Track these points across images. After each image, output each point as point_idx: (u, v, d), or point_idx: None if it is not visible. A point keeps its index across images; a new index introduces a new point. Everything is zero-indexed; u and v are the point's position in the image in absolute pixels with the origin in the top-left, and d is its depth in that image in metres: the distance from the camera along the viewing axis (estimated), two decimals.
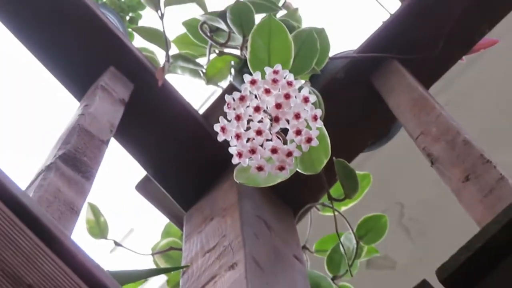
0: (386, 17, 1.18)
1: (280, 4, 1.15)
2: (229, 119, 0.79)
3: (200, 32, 1.12)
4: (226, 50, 1.15)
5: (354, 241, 1.17)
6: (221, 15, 1.10)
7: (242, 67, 1.16)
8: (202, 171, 1.21)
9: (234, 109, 0.78)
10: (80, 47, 1.14)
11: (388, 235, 1.21)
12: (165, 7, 1.13)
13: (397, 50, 1.11)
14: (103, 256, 1.45)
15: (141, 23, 1.44)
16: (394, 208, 1.58)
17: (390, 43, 1.13)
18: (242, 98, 0.78)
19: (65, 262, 0.52)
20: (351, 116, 1.17)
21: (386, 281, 1.34)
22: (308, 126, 0.79)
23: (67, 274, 0.52)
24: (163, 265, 1.20)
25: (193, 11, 1.17)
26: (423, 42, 1.11)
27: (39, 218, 0.54)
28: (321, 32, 1.03)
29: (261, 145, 0.82)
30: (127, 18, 1.34)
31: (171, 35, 1.20)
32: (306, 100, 0.82)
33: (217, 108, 1.18)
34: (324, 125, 0.79)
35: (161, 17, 1.11)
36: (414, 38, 1.12)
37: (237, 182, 0.84)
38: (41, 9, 1.12)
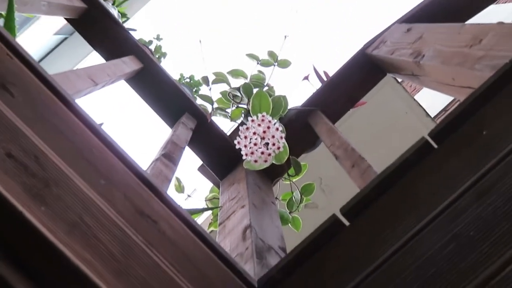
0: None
1: (265, 84, 1.87)
2: (241, 138, 1.58)
3: (228, 96, 1.82)
4: (240, 105, 1.83)
5: (299, 195, 1.79)
6: (238, 89, 1.81)
7: (247, 114, 1.79)
8: (229, 162, 1.81)
9: (244, 133, 1.59)
10: (175, 105, 1.80)
11: (314, 193, 1.81)
12: (211, 85, 1.86)
13: (320, 106, 1.75)
14: (182, 202, 1.92)
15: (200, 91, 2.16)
16: (317, 180, 2.25)
17: (316, 102, 1.77)
18: (247, 128, 1.53)
19: (168, 206, 0.77)
20: (297, 136, 1.74)
21: (314, 214, 1.75)
22: (278, 141, 1.60)
23: (170, 214, 0.77)
24: (210, 206, 1.83)
25: (225, 86, 1.87)
26: (331, 101, 1.75)
27: (151, 182, 0.80)
28: (284, 97, 1.74)
29: (256, 150, 1.60)
30: (194, 89, 2.05)
31: (214, 96, 1.89)
32: (277, 129, 1.57)
33: (235, 133, 1.73)
34: (286, 140, 1.56)
35: (210, 89, 1.86)
36: (327, 100, 1.76)
37: (245, 167, 1.61)
38: (160, 91, 1.80)
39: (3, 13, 1.33)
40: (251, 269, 1.04)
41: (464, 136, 0.73)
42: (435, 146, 0.76)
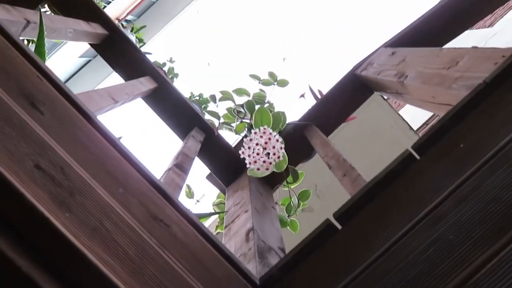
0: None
1: (266, 101, 1.88)
2: (245, 148, 1.59)
3: (233, 112, 1.84)
4: (244, 120, 1.85)
5: (297, 200, 1.79)
6: (242, 105, 1.82)
7: (250, 127, 1.79)
8: (234, 170, 1.81)
9: (247, 144, 1.60)
10: (185, 120, 1.81)
11: (310, 198, 1.82)
12: (218, 102, 1.87)
13: (314, 121, 1.76)
14: (191, 207, 1.92)
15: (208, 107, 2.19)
16: (312, 186, 2.25)
17: (311, 117, 1.78)
18: (250, 140, 1.56)
19: (179, 212, 0.78)
20: (294, 148, 1.73)
21: (310, 217, 1.70)
22: (278, 152, 1.60)
23: (181, 219, 0.77)
24: (217, 210, 1.84)
25: (230, 103, 1.88)
26: (325, 117, 1.76)
27: (164, 190, 0.80)
28: (283, 113, 1.74)
29: (259, 159, 1.61)
30: (202, 106, 2.06)
31: (221, 112, 1.91)
32: (277, 140, 1.59)
33: (240, 144, 1.75)
34: (285, 151, 1.58)
35: (217, 106, 1.88)
36: (321, 116, 1.77)
37: (248, 175, 1.62)
38: (172, 108, 1.81)
39: (35, 39, 1.34)
40: (254, 268, 1.04)
41: (443, 149, 0.73)
42: (418, 157, 0.76)
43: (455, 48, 1.11)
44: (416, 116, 4.11)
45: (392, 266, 0.59)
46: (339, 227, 0.76)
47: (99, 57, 1.86)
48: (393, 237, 0.64)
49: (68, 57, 8.21)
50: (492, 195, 0.57)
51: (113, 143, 0.78)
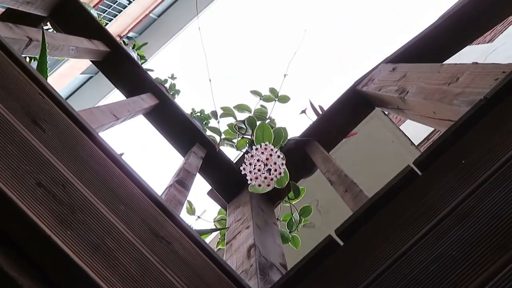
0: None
1: (267, 117, 1.88)
2: (247, 164, 1.59)
3: (234, 128, 1.83)
4: (245, 136, 1.84)
5: (299, 216, 1.78)
6: (243, 121, 1.82)
7: (251, 143, 1.80)
8: (235, 187, 1.82)
9: (249, 161, 1.60)
10: (187, 136, 1.81)
11: (312, 214, 1.80)
12: (219, 118, 1.86)
13: (316, 136, 1.75)
14: (192, 223, 1.86)
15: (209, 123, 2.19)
16: (314, 202, 2.27)
17: (312, 133, 1.77)
18: (251, 156, 1.56)
19: (180, 228, 0.78)
20: (296, 164, 1.75)
21: (311, 233, 1.76)
22: (279, 168, 1.60)
23: (182, 236, 0.77)
24: (218, 226, 1.82)
25: (231, 119, 1.87)
26: (326, 132, 1.75)
27: (166, 207, 0.84)
28: (284, 129, 1.74)
29: (260, 175, 1.61)
30: (204, 122, 2.07)
31: (222, 128, 1.89)
32: (278, 156, 1.59)
33: (241, 160, 1.69)
34: (286, 167, 1.57)
35: (218, 122, 1.86)
36: (322, 131, 1.76)
37: (250, 191, 1.59)
38: (174, 124, 1.81)
39: (37, 57, 1.35)
40: (255, 285, 1.03)
41: (445, 165, 0.73)
42: (419, 173, 0.76)
43: (456, 64, 1.11)
44: (417, 131, 4.11)
45: (395, 282, 0.59)
46: (341, 243, 0.76)
47: (100, 74, 1.87)
48: (395, 253, 0.64)
49: (70, 73, 8.26)
50: (495, 211, 0.57)
51: (115, 160, 0.78)
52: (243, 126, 1.86)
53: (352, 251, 0.74)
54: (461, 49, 1.62)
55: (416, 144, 3.20)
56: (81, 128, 0.77)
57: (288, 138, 1.81)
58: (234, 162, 1.91)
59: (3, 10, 1.76)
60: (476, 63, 1.03)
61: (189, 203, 1.84)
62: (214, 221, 1.86)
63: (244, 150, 1.89)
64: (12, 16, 1.60)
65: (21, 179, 0.53)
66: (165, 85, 2.39)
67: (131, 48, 2.48)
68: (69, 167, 0.63)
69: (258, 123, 1.82)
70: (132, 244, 0.60)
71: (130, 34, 9.07)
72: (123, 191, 0.73)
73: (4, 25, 1.17)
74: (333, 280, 0.72)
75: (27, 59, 1.83)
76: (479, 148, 0.70)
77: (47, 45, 1.22)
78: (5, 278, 0.45)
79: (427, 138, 4.42)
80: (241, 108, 1.91)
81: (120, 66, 1.81)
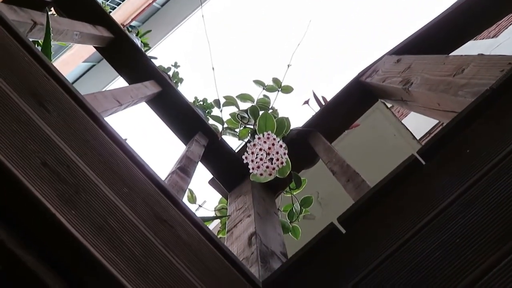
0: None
1: (270, 107, 1.88)
2: (249, 153, 1.58)
3: (237, 118, 1.84)
4: (247, 126, 1.85)
5: (299, 207, 1.77)
6: (246, 111, 1.82)
7: (253, 133, 1.81)
8: (236, 176, 1.81)
9: (251, 149, 1.60)
10: (189, 124, 1.80)
11: (312, 205, 1.79)
12: (222, 107, 1.88)
13: (318, 127, 1.75)
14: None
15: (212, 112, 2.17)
16: (314, 193, 2.18)
17: (314, 123, 1.77)
18: (254, 145, 1.56)
19: (183, 213, 0.78)
20: (298, 154, 1.72)
21: (311, 224, 1.78)
22: (281, 157, 1.60)
23: (185, 220, 0.77)
24: (219, 215, 1.82)
25: (234, 108, 1.88)
26: (328, 123, 1.75)
27: (169, 192, 0.82)
28: (287, 119, 1.74)
29: (262, 164, 1.60)
30: (206, 111, 2.07)
31: (225, 117, 1.91)
32: (281, 146, 1.59)
33: (243, 150, 1.77)
34: (288, 157, 1.58)
35: (221, 111, 1.88)
36: (325, 122, 1.76)
37: (251, 180, 1.60)
38: (176, 112, 1.80)
39: (40, 41, 1.35)
40: (256, 272, 1.03)
41: (449, 154, 0.73)
42: (423, 162, 0.76)
43: (461, 55, 1.11)
44: (419, 126, 4.11)
45: (398, 269, 0.59)
46: (344, 231, 0.76)
47: (102, 63, 1.88)
48: (398, 241, 0.64)
49: (72, 61, 8.23)
50: (499, 200, 0.57)
51: (119, 143, 0.78)
52: (246, 116, 1.85)
53: (354, 239, 0.74)
54: (466, 42, 1.61)
55: (417, 138, 3.19)
56: (86, 111, 0.77)
57: (291, 128, 1.81)
58: (236, 151, 1.90)
59: None
60: (482, 54, 1.03)
61: (191, 191, 1.83)
62: (214, 210, 1.85)
63: (246, 140, 1.89)
64: (16, 0, 1.59)
65: (26, 158, 0.53)
66: (168, 73, 2.39)
67: (134, 35, 2.47)
68: (74, 148, 0.63)
69: (261, 112, 1.81)
70: (135, 226, 0.60)
71: (133, 23, 9.03)
72: (127, 174, 0.73)
73: (8, 7, 1.16)
74: (334, 268, 0.72)
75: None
76: (484, 138, 0.70)
77: (51, 28, 1.22)
78: (9, 255, 0.45)
79: (429, 133, 4.42)
80: (244, 97, 1.91)
81: (123, 52, 1.79)
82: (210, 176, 1.88)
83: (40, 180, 0.51)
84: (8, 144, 0.52)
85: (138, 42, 2.29)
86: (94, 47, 1.76)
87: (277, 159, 1.58)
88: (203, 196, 1.95)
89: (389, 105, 2.97)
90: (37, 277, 0.46)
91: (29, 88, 0.67)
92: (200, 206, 1.84)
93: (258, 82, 1.94)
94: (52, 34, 1.26)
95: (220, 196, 1.90)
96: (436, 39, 1.60)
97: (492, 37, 5.31)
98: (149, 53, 2.47)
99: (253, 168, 1.58)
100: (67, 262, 0.48)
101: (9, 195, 0.48)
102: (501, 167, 0.61)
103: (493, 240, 0.52)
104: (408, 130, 3.02)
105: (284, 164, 1.59)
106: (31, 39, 1.48)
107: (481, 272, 0.51)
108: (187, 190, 1.68)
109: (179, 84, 2.42)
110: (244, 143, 1.92)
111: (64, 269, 0.48)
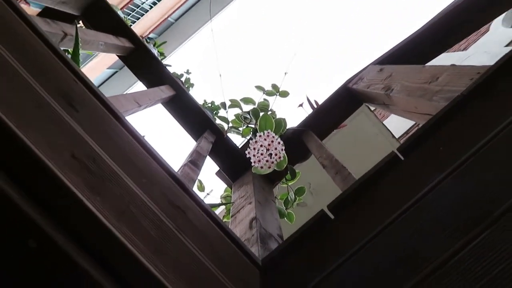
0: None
1: (269, 109, 1.87)
2: (251, 149, 1.59)
3: (240, 118, 1.84)
4: (249, 125, 1.85)
5: (294, 196, 1.78)
6: (248, 112, 1.82)
7: (255, 132, 1.82)
8: (240, 168, 1.82)
9: (253, 146, 1.60)
10: (199, 123, 1.80)
11: (305, 194, 1.80)
12: (228, 109, 1.87)
13: (310, 127, 1.75)
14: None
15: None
16: (307, 184, 2.21)
17: (308, 124, 1.77)
18: (255, 142, 1.57)
19: (193, 200, 0.80)
20: (294, 150, 1.73)
21: (304, 211, 1.80)
22: (279, 153, 1.60)
23: (195, 206, 0.78)
24: (224, 202, 1.83)
25: (238, 110, 1.87)
26: (320, 124, 1.75)
27: (182, 181, 0.93)
28: (284, 119, 1.74)
29: (262, 159, 1.61)
30: (214, 112, 2.06)
31: (230, 118, 1.90)
32: (279, 143, 1.60)
33: (246, 146, 1.73)
34: (285, 152, 1.62)
35: (226, 112, 1.87)
36: (317, 123, 1.76)
37: (253, 172, 1.61)
38: (188, 113, 1.80)
39: (70, 50, 1.34)
40: (256, 251, 1.03)
41: (425, 151, 0.73)
42: (402, 158, 0.76)
43: (436, 66, 1.11)
44: (398, 126, 4.10)
45: (378, 251, 0.59)
46: (332, 217, 0.76)
47: (124, 69, 1.87)
48: (379, 227, 0.63)
49: (98, 68, 8.22)
50: (468, 191, 0.57)
51: (138, 139, 0.78)
52: (248, 117, 1.85)
53: (342, 224, 0.74)
54: (440, 54, 1.61)
55: (397, 137, 3.19)
56: (110, 111, 0.77)
57: (287, 127, 1.81)
58: (239, 147, 1.90)
59: (41, 9, 1.74)
60: (454, 65, 1.03)
61: (200, 181, 1.85)
62: (220, 198, 1.86)
63: (248, 138, 1.89)
64: (49, 14, 1.58)
65: (58, 152, 0.52)
66: (181, 79, 2.38)
67: (152, 45, 2.46)
68: (99, 143, 0.63)
69: (261, 114, 1.82)
70: (152, 211, 0.60)
71: (151, 35, 9.02)
72: (145, 166, 0.73)
73: (43, 20, 1.16)
74: (325, 248, 0.72)
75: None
76: (456, 137, 0.70)
77: (79, 39, 1.22)
78: (42, 235, 0.45)
79: (406, 132, 4.41)
80: (247, 100, 1.91)
81: (142, 60, 1.79)
82: (217, 168, 1.88)
83: (69, 171, 0.50)
84: (41, 139, 0.51)
85: (155, 51, 2.28)
86: (117, 55, 1.76)
87: (276, 154, 1.59)
88: (211, 185, 1.95)
89: (372, 108, 2.97)
90: (66, 253, 0.45)
91: (60, 90, 0.67)
92: (208, 194, 1.86)
93: (259, 88, 1.93)
94: (80, 44, 1.25)
95: (226, 186, 1.90)
96: (414, 51, 1.60)
97: (463, 50, 5.29)
98: (164, 61, 2.46)
99: (254, 162, 1.58)
100: (93, 243, 0.48)
101: (42, 184, 0.47)
102: (470, 163, 0.60)
103: (461, 227, 0.52)
104: (389, 130, 3.01)
105: (282, 158, 1.59)
106: (62, 48, 1.48)
107: (452, 254, 0.50)
108: (197, 180, 1.71)
109: (190, 88, 2.41)
110: (246, 140, 1.92)
111: (91, 248, 0.47)
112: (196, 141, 1.80)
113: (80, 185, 0.51)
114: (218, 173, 1.89)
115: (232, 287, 0.61)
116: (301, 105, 1.97)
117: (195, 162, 1.57)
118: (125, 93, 1.62)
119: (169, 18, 9.32)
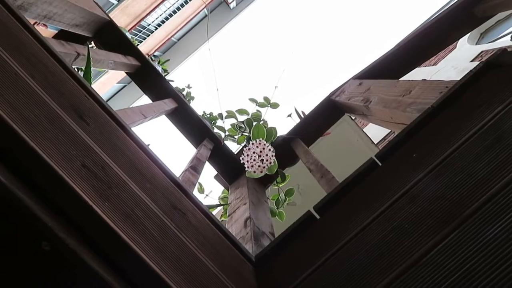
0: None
1: (261, 119, 1.86)
2: (245, 155, 1.59)
3: (235, 127, 1.83)
4: (244, 134, 1.84)
5: (284, 196, 1.79)
6: (242, 122, 1.81)
7: (248, 139, 1.82)
8: (235, 172, 1.81)
9: (246, 152, 1.60)
10: (198, 132, 1.79)
11: (294, 195, 1.83)
12: (224, 119, 1.88)
13: (298, 135, 1.75)
14: (202, 200, 2.05)
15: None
16: (296, 186, 2.19)
17: (296, 132, 1.77)
18: (249, 149, 1.57)
19: (193, 203, 0.81)
20: (283, 155, 1.74)
21: (293, 210, 1.77)
22: (270, 158, 1.60)
23: (195, 208, 0.92)
24: (222, 203, 1.83)
25: (233, 120, 1.88)
26: (306, 132, 1.75)
27: (182, 186, 0.98)
28: (274, 128, 1.72)
29: (255, 164, 1.60)
30: (212, 122, 2.06)
31: (226, 127, 1.91)
32: (270, 150, 1.61)
33: (240, 152, 1.79)
34: (275, 158, 1.62)
35: (223, 122, 1.87)
36: (304, 131, 1.76)
37: (246, 176, 1.65)
38: (189, 123, 1.78)
39: (83, 68, 1.33)
40: (250, 248, 1.02)
41: (400, 157, 0.73)
42: (380, 163, 0.75)
43: (409, 80, 1.11)
44: (377, 133, 4.11)
45: (360, 247, 0.58)
46: (318, 217, 0.76)
47: (132, 84, 1.87)
48: (360, 225, 0.63)
49: (108, 82, 8.19)
50: (439, 193, 0.56)
51: (143, 148, 0.77)
52: (243, 126, 1.85)
53: (326, 224, 0.73)
54: (412, 70, 1.61)
55: (375, 142, 3.19)
56: (117, 123, 0.76)
57: (277, 135, 1.80)
58: (235, 153, 1.89)
59: (57, 31, 1.74)
60: (425, 80, 1.03)
61: (200, 184, 1.84)
62: (218, 199, 1.85)
63: (243, 145, 1.88)
64: (64, 36, 1.58)
65: (69, 161, 0.51)
66: (183, 93, 2.37)
67: (156, 63, 2.46)
68: (107, 153, 0.62)
69: (254, 123, 1.81)
70: (155, 213, 0.59)
71: (155, 53, 9.02)
72: (149, 173, 0.72)
73: (57, 41, 1.15)
74: (311, 245, 0.71)
75: (75, 69, 1.80)
76: (427, 145, 0.70)
77: (91, 58, 1.21)
78: (55, 238, 0.44)
79: (384, 138, 4.42)
80: (241, 111, 1.90)
81: (148, 76, 1.78)
82: (215, 172, 1.87)
83: (80, 179, 0.50)
84: (55, 150, 0.51)
85: (159, 68, 2.27)
86: (125, 72, 1.75)
87: (267, 160, 1.58)
88: (210, 187, 1.94)
89: (353, 118, 2.97)
90: (76, 254, 0.44)
91: (73, 105, 0.66)
92: (207, 195, 1.85)
93: (252, 100, 1.93)
94: (91, 63, 1.24)
95: (223, 188, 1.89)
96: (389, 67, 1.60)
97: (433, 65, 5.33)
98: (167, 77, 2.45)
99: (248, 167, 1.58)
100: (101, 244, 0.47)
101: (55, 192, 0.47)
102: (440, 168, 0.60)
103: (434, 226, 0.51)
104: (369, 136, 3.02)
105: (272, 163, 1.59)
106: (75, 67, 1.47)
107: (425, 251, 0.50)
108: (197, 183, 1.71)
109: (191, 101, 2.40)
110: (241, 147, 1.92)
111: (99, 249, 0.47)
112: (196, 148, 1.79)
113: (89, 192, 0.50)
114: (216, 177, 1.88)
115: (229, 282, 0.60)
116: (289, 115, 1.97)
117: (195, 167, 1.56)
118: (132, 105, 1.61)
119: (172, 38, 9.33)
